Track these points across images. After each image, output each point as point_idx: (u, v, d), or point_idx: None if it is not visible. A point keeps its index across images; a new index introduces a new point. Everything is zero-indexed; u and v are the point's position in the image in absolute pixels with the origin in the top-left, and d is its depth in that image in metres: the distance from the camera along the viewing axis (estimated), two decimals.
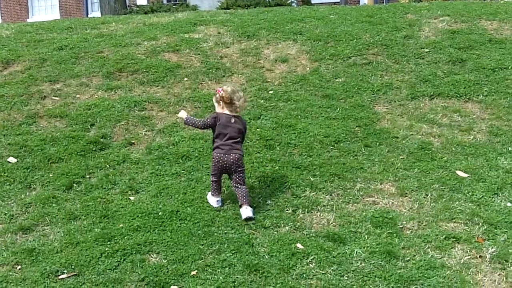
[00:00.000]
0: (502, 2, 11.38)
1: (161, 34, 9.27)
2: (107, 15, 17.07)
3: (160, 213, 5.17)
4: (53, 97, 7.49)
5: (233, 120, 5.25)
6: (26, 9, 28.60)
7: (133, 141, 6.58)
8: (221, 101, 5.27)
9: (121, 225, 5.05)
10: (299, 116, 6.96)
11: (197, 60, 8.30)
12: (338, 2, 20.91)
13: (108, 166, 6.10)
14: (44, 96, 7.51)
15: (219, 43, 8.94)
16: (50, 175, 5.96)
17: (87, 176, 5.95)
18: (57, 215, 5.31)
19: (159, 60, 8.28)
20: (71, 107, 7.26)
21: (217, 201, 5.35)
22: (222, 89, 5.25)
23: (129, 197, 5.53)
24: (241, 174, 5.22)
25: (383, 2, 23.92)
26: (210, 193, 5.42)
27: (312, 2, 24.44)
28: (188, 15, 10.85)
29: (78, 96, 7.52)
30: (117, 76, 7.97)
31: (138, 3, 23.86)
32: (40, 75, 7.95)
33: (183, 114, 5.51)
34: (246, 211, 5.09)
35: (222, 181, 5.42)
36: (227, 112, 5.26)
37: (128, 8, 18.59)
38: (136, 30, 9.63)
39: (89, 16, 25.55)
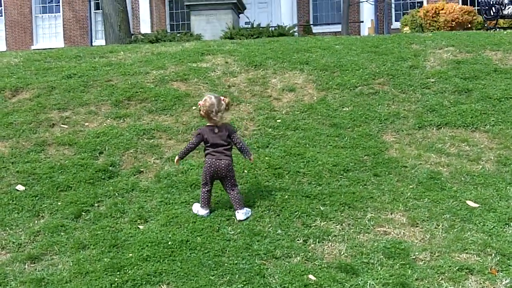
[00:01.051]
0: (505, 32, 11.47)
1: (169, 63, 9.34)
2: (112, 43, 17.20)
3: (169, 243, 5.14)
4: (62, 125, 7.52)
5: (216, 130, 5.57)
6: (30, 36, 28.83)
7: (142, 169, 6.58)
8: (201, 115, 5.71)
9: (131, 254, 5.02)
10: (307, 145, 6.97)
11: (205, 89, 8.34)
12: (340, 32, 21.05)
13: (117, 194, 6.10)
14: (52, 124, 7.53)
15: (226, 73, 8.99)
16: (59, 203, 5.95)
17: (96, 205, 5.94)
18: (65, 244, 5.29)
19: (167, 89, 8.33)
20: (79, 135, 7.28)
21: (206, 213, 5.57)
22: (200, 104, 5.58)
23: (138, 226, 5.51)
24: (232, 179, 5.59)
25: (383, 32, 24.16)
26: (198, 204, 5.62)
27: (314, 31, 24.68)
28: (195, 44, 10.93)
29: (86, 124, 7.55)
30: (126, 104, 8.01)
31: (142, 32, 24.05)
32: (48, 103, 7.99)
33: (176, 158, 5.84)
34: (238, 215, 5.49)
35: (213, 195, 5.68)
36: (209, 124, 5.60)
37: (132, 36, 18.71)
38: (145, 59, 9.70)
39: (93, 44, 25.73)
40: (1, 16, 29.02)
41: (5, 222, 5.68)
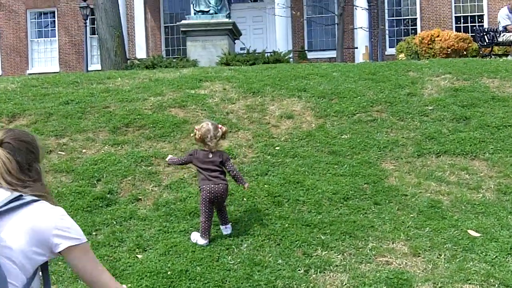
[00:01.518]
0: (501, 60, 11.54)
1: (167, 89, 9.33)
2: (108, 68, 17.21)
3: (169, 273, 5.08)
4: (59, 152, 7.47)
5: (210, 155, 5.60)
6: (26, 61, 28.86)
7: (140, 197, 6.53)
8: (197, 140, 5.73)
9: (129, 285, 4.95)
10: (306, 173, 6.94)
11: (203, 116, 8.32)
12: (334, 58, 21.17)
13: (115, 222, 6.04)
14: (50, 151, 7.48)
15: (224, 99, 8.99)
16: None
17: (94, 233, 5.88)
18: (63, 274, 5.21)
19: (165, 116, 8.31)
20: (77, 162, 7.23)
21: (206, 243, 5.54)
22: (196, 129, 5.64)
23: (137, 255, 5.45)
24: (224, 203, 5.73)
25: (378, 58, 24.31)
26: (197, 233, 5.60)
27: (308, 57, 24.82)
28: (193, 71, 10.94)
29: (84, 151, 7.50)
30: (124, 131, 7.98)
31: (138, 56, 24.10)
32: (46, 129, 7.95)
33: (168, 157, 6.09)
34: (225, 230, 5.71)
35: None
36: (204, 149, 5.65)
37: (128, 61, 18.75)
38: (142, 85, 9.70)
39: (89, 69, 25.76)
40: None
41: None
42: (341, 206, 6.21)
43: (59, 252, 2.34)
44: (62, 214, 2.37)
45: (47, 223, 2.30)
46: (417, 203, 6.24)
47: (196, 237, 5.58)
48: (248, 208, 6.19)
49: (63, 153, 7.46)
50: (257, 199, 6.34)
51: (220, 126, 5.68)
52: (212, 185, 5.52)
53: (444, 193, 6.47)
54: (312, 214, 6.05)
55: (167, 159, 6.08)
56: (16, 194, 2.29)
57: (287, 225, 5.82)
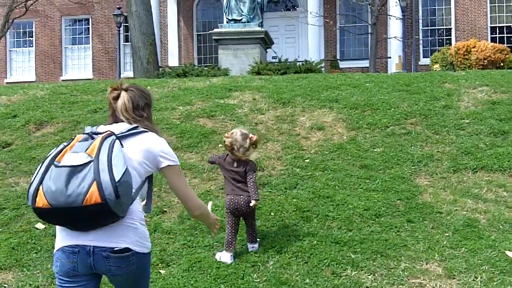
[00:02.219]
0: None
1: (196, 99, 9.20)
2: (140, 75, 17.21)
3: None
4: None
5: (235, 165, 5.45)
6: (60, 67, 29.14)
7: (165, 209, 6.38)
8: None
9: None
10: (337, 187, 6.72)
11: (232, 126, 8.14)
12: (367, 67, 20.91)
13: None
14: None
15: (254, 110, 8.82)
16: None
17: None
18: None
19: (193, 125, 8.16)
20: None
21: (231, 256, 5.34)
22: (226, 136, 5.49)
23: (160, 271, 5.28)
24: (253, 215, 5.54)
25: (411, 68, 23.95)
26: (223, 251, 5.42)
27: (341, 66, 24.58)
28: (222, 80, 10.81)
29: None
30: None
31: (170, 64, 24.13)
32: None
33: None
34: (251, 248, 5.53)
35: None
36: (232, 156, 5.48)
37: (160, 69, 18.75)
38: (171, 94, 9.58)
39: (121, 76, 25.87)
40: (32, 47, 29.42)
41: (23, 262, 5.47)
42: (372, 223, 5.97)
43: (161, 169, 3.32)
44: (165, 143, 3.37)
45: (156, 147, 3.30)
46: (453, 222, 5.96)
47: (221, 254, 5.39)
48: (275, 223, 5.99)
49: None
50: (285, 213, 6.14)
51: (251, 135, 5.49)
52: (233, 196, 5.41)
53: (481, 211, 6.18)
54: (342, 231, 5.82)
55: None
56: (134, 125, 3.31)
57: (315, 242, 5.59)
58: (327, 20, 24.70)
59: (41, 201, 2.99)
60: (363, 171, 7.12)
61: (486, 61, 15.83)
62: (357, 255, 5.37)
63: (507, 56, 16.10)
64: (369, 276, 5.06)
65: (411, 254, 5.39)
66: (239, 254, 5.41)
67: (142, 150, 3.24)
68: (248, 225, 5.56)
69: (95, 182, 2.94)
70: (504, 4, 26.05)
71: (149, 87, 10.14)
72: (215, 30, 17.08)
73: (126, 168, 3.04)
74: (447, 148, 7.62)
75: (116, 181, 2.97)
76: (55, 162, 3.04)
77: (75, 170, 2.98)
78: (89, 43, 29.19)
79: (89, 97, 9.52)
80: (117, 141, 3.13)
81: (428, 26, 27.10)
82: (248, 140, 5.42)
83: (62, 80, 27.63)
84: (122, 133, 3.23)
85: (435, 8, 27.10)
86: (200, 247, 5.62)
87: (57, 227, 3.18)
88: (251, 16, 16.88)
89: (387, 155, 7.49)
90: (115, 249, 3.10)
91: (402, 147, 7.69)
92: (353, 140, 7.92)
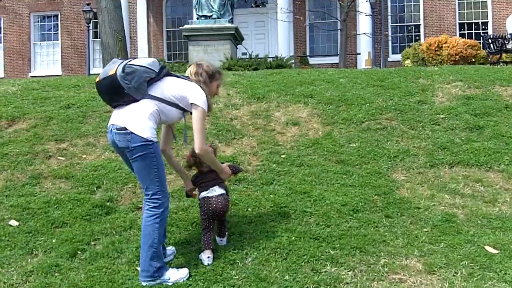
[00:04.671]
0: None
1: None
2: None
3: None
4: (59, 157, 7.23)
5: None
6: (28, 64, 28.73)
7: (140, 205, 6.25)
8: None
9: None
10: (313, 182, 6.68)
11: (206, 122, 8.06)
12: (337, 63, 20.98)
13: (114, 232, 5.77)
14: (49, 156, 7.24)
15: (228, 105, 8.74)
16: (53, 241, 5.62)
17: (92, 243, 5.61)
18: (60, 286, 4.94)
19: None
20: (77, 167, 6.98)
21: (208, 257, 5.18)
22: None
23: (137, 268, 5.16)
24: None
25: (380, 64, 24.10)
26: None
27: (310, 62, 24.63)
28: None
29: (84, 156, 7.25)
30: None
31: None
32: (45, 133, 7.71)
33: None
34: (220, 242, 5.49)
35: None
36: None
37: None
38: None
39: (91, 72, 25.58)
40: (0, 43, 28.93)
41: None
42: (350, 218, 5.94)
43: (190, 105, 4.77)
44: (203, 93, 4.82)
45: (193, 89, 4.82)
46: (431, 217, 5.96)
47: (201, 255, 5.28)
48: (253, 219, 5.92)
49: (62, 158, 7.21)
50: (262, 209, 6.08)
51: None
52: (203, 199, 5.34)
53: (458, 206, 6.19)
54: (320, 226, 5.77)
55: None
56: (184, 76, 4.99)
57: (294, 238, 5.54)
58: (297, 16, 24.73)
59: (97, 79, 4.79)
60: (340, 166, 7.09)
61: (457, 56, 15.96)
62: (336, 251, 5.33)
63: (478, 52, 16.26)
64: (349, 272, 5.02)
65: (390, 249, 5.36)
66: (216, 252, 5.33)
67: (179, 86, 4.81)
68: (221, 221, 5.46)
69: (116, 66, 4.63)
70: (472, 1, 26.38)
71: None
72: (186, 26, 16.97)
73: (142, 65, 4.67)
74: (423, 143, 7.63)
75: (126, 64, 4.62)
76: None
77: (113, 62, 4.77)
78: (58, 39, 28.84)
79: (61, 93, 9.34)
80: (156, 60, 4.84)
81: (397, 23, 27.34)
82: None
83: (31, 76, 27.24)
84: (172, 73, 4.94)
85: (403, 5, 27.35)
86: (177, 244, 5.53)
87: None
88: (222, 13, 16.81)
89: (363, 150, 7.47)
90: (117, 127, 4.65)
91: (378, 142, 7.68)
92: (329, 136, 7.89)
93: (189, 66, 5.12)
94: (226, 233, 5.59)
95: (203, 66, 5.01)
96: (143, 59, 4.75)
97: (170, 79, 4.84)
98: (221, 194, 5.27)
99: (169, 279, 4.84)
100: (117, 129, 4.61)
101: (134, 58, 4.73)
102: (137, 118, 4.62)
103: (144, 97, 4.69)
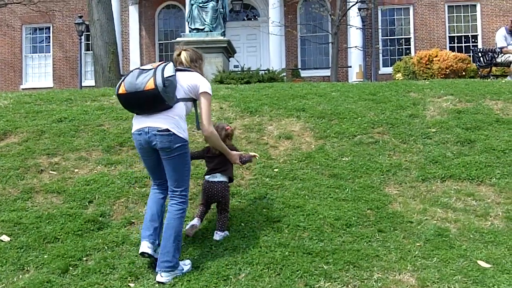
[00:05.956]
0: (504, 81, 11.35)
1: None
2: (102, 84, 17.00)
3: None
4: (51, 171, 7.20)
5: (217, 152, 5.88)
6: (20, 76, 28.67)
7: (133, 220, 6.25)
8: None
9: None
10: (306, 196, 6.68)
11: (199, 136, 8.06)
12: (328, 76, 21.05)
13: (106, 247, 5.74)
14: (41, 170, 7.21)
15: (221, 118, 8.74)
16: (45, 256, 5.59)
17: (84, 259, 5.58)
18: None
19: None
20: (69, 182, 6.95)
21: (192, 225, 5.81)
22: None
23: (129, 284, 5.15)
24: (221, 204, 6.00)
25: (371, 77, 24.21)
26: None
27: (302, 75, 24.72)
28: None
29: (76, 170, 7.23)
30: (118, 150, 7.72)
31: None
32: (37, 147, 7.68)
33: None
34: (216, 236, 5.86)
35: None
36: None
37: (122, 77, 18.53)
38: None
39: (82, 84, 25.55)
40: None
41: None
42: (343, 233, 5.94)
43: (200, 93, 5.32)
44: (205, 79, 5.44)
45: (198, 79, 5.38)
46: (423, 231, 5.97)
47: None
48: (246, 233, 5.91)
49: (54, 172, 7.18)
50: (255, 224, 6.07)
51: (227, 127, 6.03)
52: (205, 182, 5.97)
53: (451, 221, 6.21)
54: (313, 241, 5.77)
55: None
56: (188, 69, 5.47)
57: (287, 253, 5.53)
58: (289, 29, 24.83)
59: (121, 89, 5.03)
60: (333, 180, 7.10)
61: (448, 70, 16.04)
62: (329, 266, 5.32)
63: (468, 65, 16.35)
64: None
65: (383, 264, 5.37)
66: (209, 267, 5.31)
67: (189, 79, 5.35)
68: (220, 212, 5.98)
69: (152, 77, 4.94)
70: (462, 14, 26.58)
71: (114, 96, 9.97)
72: (178, 39, 17.00)
73: (173, 74, 5.09)
74: (415, 157, 7.66)
75: (165, 77, 4.97)
76: (131, 70, 5.16)
77: (142, 71, 5.05)
78: (49, 52, 28.79)
79: (53, 106, 9.31)
80: (171, 63, 5.21)
81: (387, 36, 27.50)
82: (223, 132, 5.91)
83: (23, 88, 27.19)
84: (179, 69, 5.38)
85: (394, 18, 27.52)
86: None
87: (133, 118, 5.34)
88: (214, 26, 16.85)
89: (355, 164, 7.49)
90: (159, 129, 5.07)
91: (370, 156, 7.70)
92: (321, 149, 7.90)
93: (176, 50, 5.75)
94: (226, 232, 5.89)
95: (190, 52, 5.64)
96: (167, 67, 5.10)
97: (178, 75, 5.30)
98: (221, 181, 5.91)
99: (182, 269, 5.25)
100: (159, 131, 5.05)
101: (158, 66, 5.10)
102: (176, 121, 5.12)
103: (176, 102, 5.18)
